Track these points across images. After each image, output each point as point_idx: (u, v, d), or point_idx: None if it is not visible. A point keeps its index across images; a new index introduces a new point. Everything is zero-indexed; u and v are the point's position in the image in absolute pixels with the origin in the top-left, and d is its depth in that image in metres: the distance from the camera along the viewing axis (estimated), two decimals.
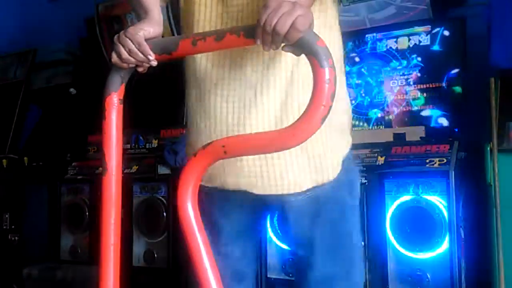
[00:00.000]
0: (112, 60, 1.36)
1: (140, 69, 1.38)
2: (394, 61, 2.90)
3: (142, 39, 1.33)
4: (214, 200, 1.53)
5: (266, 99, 1.41)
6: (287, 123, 1.35)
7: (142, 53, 1.33)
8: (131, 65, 1.36)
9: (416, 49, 2.85)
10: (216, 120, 1.46)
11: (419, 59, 2.84)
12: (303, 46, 1.19)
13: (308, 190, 1.47)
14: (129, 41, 1.33)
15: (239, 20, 1.42)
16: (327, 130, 1.43)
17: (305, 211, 1.50)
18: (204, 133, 1.48)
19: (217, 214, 1.55)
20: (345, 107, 1.56)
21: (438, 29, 2.81)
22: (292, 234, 1.55)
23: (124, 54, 1.33)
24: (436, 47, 2.81)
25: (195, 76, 1.49)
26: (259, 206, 1.55)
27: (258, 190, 1.46)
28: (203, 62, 1.46)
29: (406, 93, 2.85)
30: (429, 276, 2.45)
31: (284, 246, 2.79)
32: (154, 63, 1.36)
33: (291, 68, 1.41)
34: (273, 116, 1.42)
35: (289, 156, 1.42)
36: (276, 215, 2.61)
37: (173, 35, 3.22)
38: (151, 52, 1.34)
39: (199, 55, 1.47)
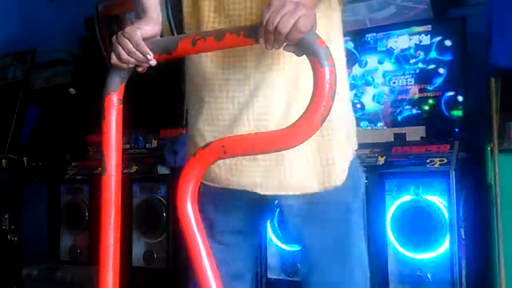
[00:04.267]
0: (112, 61, 1.35)
1: (139, 69, 1.38)
2: (394, 60, 2.90)
3: (140, 38, 1.33)
4: (214, 198, 1.53)
5: (270, 99, 1.41)
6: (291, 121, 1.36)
7: (141, 53, 1.33)
8: (130, 66, 1.36)
9: (416, 48, 2.85)
10: (219, 123, 1.46)
11: (419, 58, 2.84)
12: (303, 46, 1.18)
13: (312, 194, 1.46)
14: (127, 41, 1.32)
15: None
16: (334, 133, 1.44)
17: (305, 214, 1.49)
18: (209, 133, 1.47)
19: (215, 212, 1.55)
20: (349, 110, 1.56)
21: (438, 29, 2.81)
22: (294, 236, 1.55)
23: (123, 54, 1.33)
24: (436, 47, 2.81)
25: (198, 76, 1.49)
26: (259, 206, 1.55)
27: (263, 190, 1.45)
28: (207, 64, 1.46)
29: (407, 93, 2.85)
30: (429, 276, 2.45)
31: (284, 247, 2.78)
32: (153, 63, 1.35)
33: (295, 68, 1.40)
34: (280, 115, 1.41)
35: (296, 158, 1.41)
36: (277, 215, 2.61)
37: (173, 35, 3.21)
38: (149, 52, 1.33)
39: (202, 56, 1.46)
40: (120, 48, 1.33)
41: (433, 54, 2.81)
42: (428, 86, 2.81)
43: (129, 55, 1.33)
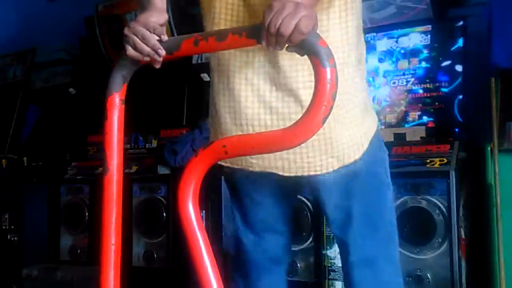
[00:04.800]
0: (128, 53, 1.32)
1: (157, 66, 1.35)
2: (394, 60, 2.90)
3: (155, 24, 1.31)
4: (245, 185, 1.57)
5: (287, 97, 1.42)
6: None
7: (158, 35, 1.30)
8: (145, 57, 1.33)
9: (416, 48, 2.85)
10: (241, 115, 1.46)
11: (420, 58, 2.84)
12: (304, 46, 1.19)
13: (335, 170, 1.47)
14: (142, 28, 1.30)
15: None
16: (349, 112, 1.44)
17: (337, 189, 1.50)
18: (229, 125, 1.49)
19: (248, 199, 1.59)
20: (363, 87, 1.55)
21: (438, 28, 2.81)
22: (328, 215, 1.57)
23: (139, 43, 1.30)
24: (436, 47, 2.81)
25: (220, 70, 1.50)
26: (287, 189, 1.56)
27: (285, 172, 1.47)
28: (231, 61, 1.46)
29: (407, 93, 2.85)
30: (429, 276, 2.45)
31: None
32: (163, 53, 1.32)
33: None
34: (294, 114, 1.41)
35: (312, 139, 1.38)
36: None
37: (173, 35, 3.21)
38: (164, 32, 1.32)
39: (226, 53, 1.47)
40: (134, 37, 1.30)
41: (433, 54, 2.81)
42: (428, 86, 2.81)
43: (143, 41, 1.30)
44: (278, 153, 1.43)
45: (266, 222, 1.61)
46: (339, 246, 1.62)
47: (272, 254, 1.64)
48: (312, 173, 1.46)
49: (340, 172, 1.47)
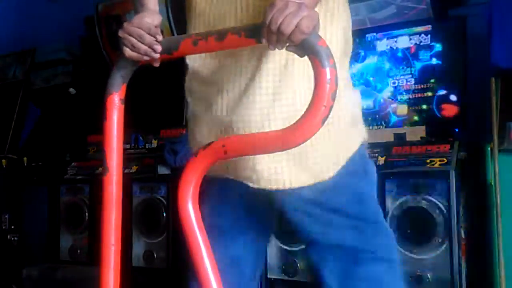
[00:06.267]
0: (126, 54, 1.32)
1: (156, 64, 1.36)
2: (394, 60, 2.90)
3: (151, 25, 1.32)
4: (217, 188, 1.54)
5: (263, 87, 1.39)
6: (280, 112, 1.37)
7: (153, 36, 1.31)
8: (144, 57, 1.33)
9: (416, 48, 2.85)
10: (213, 113, 1.45)
11: (419, 58, 2.84)
12: (305, 46, 1.19)
13: (304, 187, 1.43)
14: (136, 29, 1.31)
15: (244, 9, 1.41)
16: (331, 126, 1.41)
17: (307, 208, 1.47)
18: (205, 124, 1.48)
19: (221, 204, 1.56)
20: (349, 101, 1.52)
21: (438, 28, 2.81)
22: (298, 231, 1.54)
23: (136, 43, 1.31)
24: (436, 47, 2.81)
25: (193, 68, 1.50)
26: (261, 200, 1.52)
27: (253, 184, 1.43)
28: (199, 55, 1.46)
29: (406, 93, 2.85)
30: (429, 276, 2.45)
31: (284, 246, 2.78)
32: (159, 48, 1.32)
33: (285, 56, 1.38)
34: (266, 107, 1.39)
35: (285, 153, 1.37)
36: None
37: (173, 35, 3.21)
38: (159, 32, 1.32)
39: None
40: (130, 37, 1.31)
41: (433, 54, 2.81)
42: (428, 86, 2.81)
43: (139, 40, 1.31)
44: (250, 164, 1.40)
45: (239, 225, 1.56)
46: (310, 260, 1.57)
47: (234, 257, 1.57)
48: (280, 187, 1.42)
49: (311, 188, 1.43)
